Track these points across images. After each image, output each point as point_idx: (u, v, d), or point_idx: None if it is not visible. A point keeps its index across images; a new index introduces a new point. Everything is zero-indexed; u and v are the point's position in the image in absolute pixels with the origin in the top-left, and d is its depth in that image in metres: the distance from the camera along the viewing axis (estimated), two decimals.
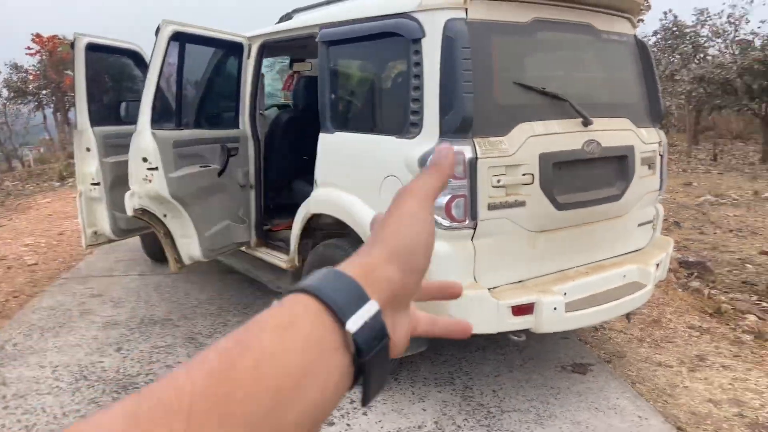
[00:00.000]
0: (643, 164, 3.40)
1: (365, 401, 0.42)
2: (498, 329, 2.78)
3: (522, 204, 2.85)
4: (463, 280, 2.76)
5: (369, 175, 3.03)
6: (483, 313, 2.74)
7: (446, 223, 2.69)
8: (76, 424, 0.30)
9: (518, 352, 3.82)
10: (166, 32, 3.28)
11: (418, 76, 2.80)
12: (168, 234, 3.48)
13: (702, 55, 26.68)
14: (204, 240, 3.60)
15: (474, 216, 2.72)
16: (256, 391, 0.33)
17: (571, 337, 4.05)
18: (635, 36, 3.51)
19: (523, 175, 2.82)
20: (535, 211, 2.89)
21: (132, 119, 3.58)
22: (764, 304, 6.73)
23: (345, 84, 3.37)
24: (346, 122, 3.29)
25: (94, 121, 3.91)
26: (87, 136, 3.84)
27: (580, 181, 3.09)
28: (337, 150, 3.31)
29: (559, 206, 2.96)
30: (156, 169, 3.23)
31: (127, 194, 3.26)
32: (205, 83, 3.81)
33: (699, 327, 4.31)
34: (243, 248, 4.19)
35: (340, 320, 0.38)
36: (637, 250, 3.58)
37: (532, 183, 2.85)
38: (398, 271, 0.43)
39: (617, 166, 3.26)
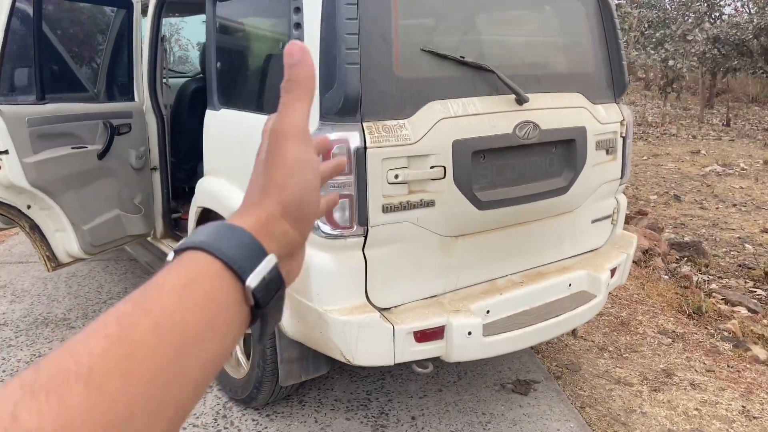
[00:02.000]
0: (598, 149, 2.80)
1: (261, 340, 0.45)
2: (396, 360, 2.25)
3: (431, 204, 2.28)
4: (350, 301, 2.21)
5: (251, 163, 2.45)
6: (374, 342, 2.20)
7: (327, 229, 2.14)
8: None
9: (455, 365, 3.30)
10: None
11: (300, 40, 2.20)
12: (35, 228, 2.95)
13: (718, 14, 25.51)
14: (83, 234, 3.07)
15: (363, 221, 2.15)
16: (157, 348, 0.35)
17: None
18: None
19: (432, 167, 2.24)
20: (448, 211, 2.32)
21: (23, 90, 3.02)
22: (759, 291, 6.16)
23: (231, 51, 2.77)
24: (231, 97, 2.70)
25: None
26: None
27: (512, 172, 2.51)
28: (222, 131, 2.73)
29: (481, 205, 2.39)
30: (6, 152, 2.69)
31: None
32: (82, 46, 3.22)
33: (672, 332, 3.76)
34: (149, 239, 3.66)
35: (240, 277, 0.40)
36: (592, 251, 3.01)
37: (444, 177, 2.27)
38: (293, 223, 0.46)
39: (563, 152, 2.67)
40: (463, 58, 2.33)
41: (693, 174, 13.28)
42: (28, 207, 2.90)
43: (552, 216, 2.74)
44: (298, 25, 2.20)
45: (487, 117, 2.38)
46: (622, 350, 3.52)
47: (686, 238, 7.92)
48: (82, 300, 3.99)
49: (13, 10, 2.64)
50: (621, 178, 3.00)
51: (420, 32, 2.35)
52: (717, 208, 10.19)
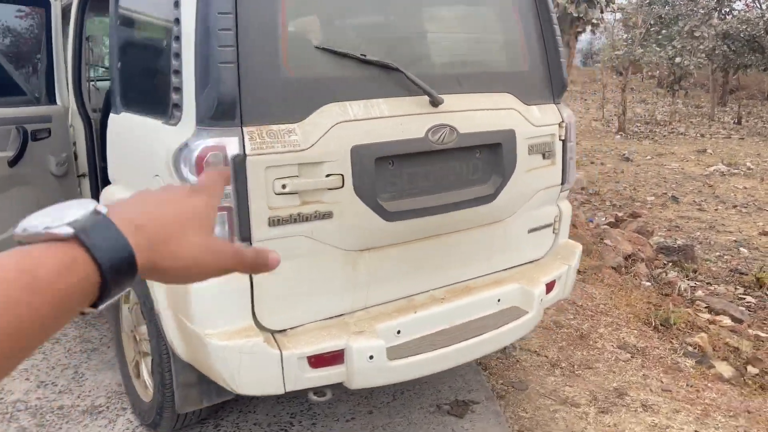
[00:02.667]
0: (532, 153, 2.59)
1: (96, 307, 0.47)
2: (287, 388, 2.05)
3: (327, 216, 2.08)
4: (233, 323, 2.02)
5: (142, 172, 2.28)
6: (259, 370, 2.01)
7: None
8: None
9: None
10: None
11: (179, 38, 2.01)
12: None
13: (728, 9, 25.03)
14: None
15: (246, 235, 1.96)
16: None
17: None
18: None
19: (328, 176, 2.05)
20: (349, 224, 2.12)
21: None
22: (749, 299, 5.89)
23: (129, 47, 2.59)
24: (129, 99, 2.52)
25: None
26: None
27: (427, 180, 2.30)
28: (121, 136, 2.55)
29: (389, 216, 2.18)
30: None
31: None
32: None
33: (633, 347, 3.52)
34: None
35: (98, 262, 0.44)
36: (531, 263, 2.79)
37: (342, 186, 2.07)
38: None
39: (489, 157, 2.46)
40: (365, 56, 2.12)
41: (696, 174, 12.93)
42: None
43: (479, 226, 2.53)
44: (177, 21, 2.01)
45: (395, 120, 2.18)
46: (575, 366, 3.29)
47: (679, 242, 7.63)
48: None
49: None
50: (562, 183, 2.78)
51: (315, 28, 2.15)
52: (716, 210, 9.87)
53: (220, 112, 1.89)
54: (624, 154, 14.81)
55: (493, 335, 2.40)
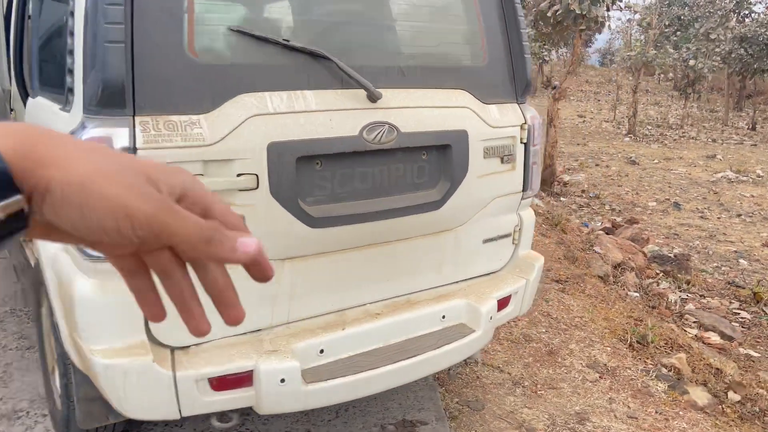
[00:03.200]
0: (488, 156, 2.34)
1: None
2: (183, 413, 1.83)
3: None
4: (123, 339, 1.79)
5: None
6: (148, 392, 1.78)
7: (90, 250, 1.72)
8: None
9: None
10: None
11: (73, 13, 1.78)
12: None
13: (747, 12, 24.47)
14: None
15: None
16: None
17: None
18: None
19: (239, 175, 1.81)
20: (265, 229, 1.89)
21: None
22: (744, 314, 5.61)
23: (41, 25, 2.36)
24: (41, 82, 2.29)
25: None
26: None
27: (363, 183, 2.07)
28: (35, 122, 2.33)
29: (314, 222, 1.95)
30: None
31: None
32: None
33: (603, 366, 3.28)
34: (22, 240, 3.29)
35: None
36: (486, 275, 2.55)
37: (257, 188, 1.84)
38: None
39: (436, 160, 2.21)
40: (288, 41, 1.88)
41: (702, 180, 12.58)
42: None
43: (425, 235, 2.29)
44: None
45: (323, 115, 1.94)
46: (538, 386, 3.05)
47: (675, 251, 7.34)
48: None
49: None
50: (524, 190, 2.54)
51: (230, 7, 1.92)
52: (719, 218, 9.55)
53: (106, 99, 1.66)
54: (631, 157, 14.49)
55: (431, 356, 2.17)
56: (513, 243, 2.61)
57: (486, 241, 2.49)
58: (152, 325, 1.82)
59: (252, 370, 1.88)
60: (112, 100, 1.66)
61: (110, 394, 1.78)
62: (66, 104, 1.84)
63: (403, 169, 2.16)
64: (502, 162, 2.42)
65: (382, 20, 2.22)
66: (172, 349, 1.88)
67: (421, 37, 2.30)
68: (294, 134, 1.88)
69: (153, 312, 0.46)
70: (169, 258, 0.42)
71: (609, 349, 3.49)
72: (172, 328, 1.80)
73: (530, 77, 2.49)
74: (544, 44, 21.64)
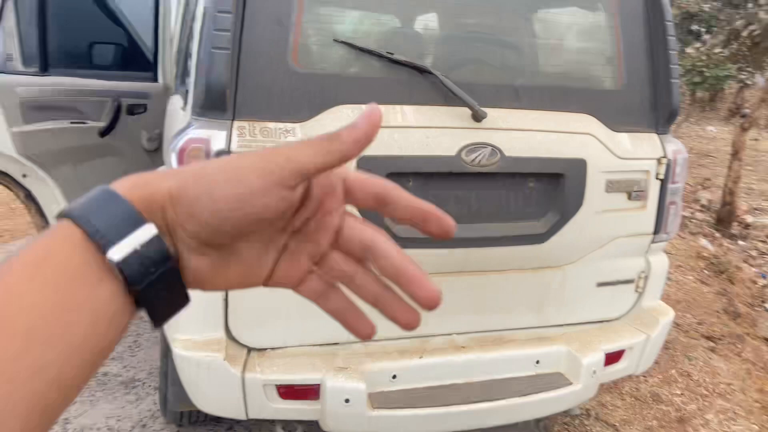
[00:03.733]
0: (612, 191, 2.09)
1: (155, 325, 0.38)
2: (249, 415, 1.85)
3: None
4: (204, 333, 1.86)
5: None
6: (219, 389, 1.83)
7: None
8: None
9: None
10: None
11: (194, 19, 1.90)
12: (30, 198, 3.03)
13: None
14: None
15: None
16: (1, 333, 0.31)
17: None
18: None
19: None
20: None
21: (107, 66, 3.16)
22: None
23: (182, 28, 2.54)
24: (179, 80, 2.47)
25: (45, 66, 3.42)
26: None
27: (457, 206, 1.95)
28: (170, 116, 2.53)
29: (399, 241, 1.85)
30: None
31: None
32: (100, 21, 3.22)
33: None
34: None
35: (102, 250, 0.34)
36: (599, 322, 2.29)
37: None
38: (184, 215, 0.36)
39: (546, 189, 2.02)
40: (391, 54, 1.83)
41: None
42: (24, 176, 2.98)
43: (525, 269, 2.10)
44: (197, 1, 1.89)
45: (420, 132, 1.86)
46: None
47: None
48: None
49: None
50: (656, 233, 2.23)
51: (338, 18, 1.90)
52: None
53: (209, 102, 1.73)
54: None
55: (516, 403, 1.99)
56: (636, 291, 2.30)
57: (601, 284, 2.23)
58: (232, 324, 1.87)
59: (319, 384, 1.85)
60: (214, 103, 1.73)
61: (185, 384, 1.86)
62: (185, 104, 1.97)
63: (504, 196, 2.00)
64: (630, 198, 2.15)
65: (500, 36, 2.07)
66: (249, 350, 1.91)
67: (544, 55, 2.12)
68: (385, 149, 1.82)
69: (360, 329, 0.44)
70: (341, 258, 0.43)
71: (756, 428, 2.96)
72: (250, 328, 1.84)
73: (677, 105, 2.18)
74: (746, 66, 19.30)
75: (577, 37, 2.14)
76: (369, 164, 1.80)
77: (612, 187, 2.09)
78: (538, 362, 2.11)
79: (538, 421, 2.57)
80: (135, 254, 0.34)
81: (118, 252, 0.34)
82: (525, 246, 2.03)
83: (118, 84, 3.18)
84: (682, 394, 3.19)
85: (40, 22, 2.85)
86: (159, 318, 0.38)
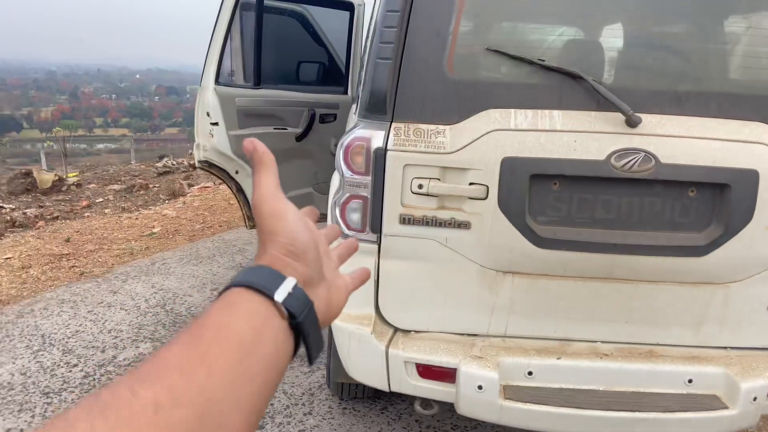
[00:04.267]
0: None
1: (310, 361, 0.51)
2: (391, 387, 2.04)
3: (465, 226, 1.97)
4: (359, 308, 2.09)
5: None
6: (366, 359, 2.05)
7: (343, 229, 2.07)
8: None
9: None
10: None
11: (369, 35, 2.16)
12: (240, 191, 3.58)
13: None
14: None
15: (376, 227, 2.01)
16: (223, 348, 0.41)
17: None
18: None
19: (471, 184, 1.93)
20: (489, 240, 1.96)
21: (308, 81, 3.74)
22: None
23: (367, 42, 2.82)
24: (356, 88, 2.77)
25: (264, 82, 4.02)
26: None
27: (606, 211, 1.95)
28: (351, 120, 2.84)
29: (540, 242, 1.94)
30: (216, 124, 3.34)
31: (195, 145, 3.47)
32: (302, 42, 3.68)
33: None
34: None
35: (269, 296, 0.47)
36: (760, 348, 2.09)
37: (486, 198, 1.93)
38: (294, 258, 0.51)
39: (709, 199, 1.93)
40: (543, 61, 1.91)
41: None
42: (236, 172, 3.54)
43: (682, 283, 2.01)
44: (371, 18, 2.15)
45: (567, 136, 1.90)
46: None
47: None
48: None
49: (232, 21, 3.23)
50: None
51: (490, 28, 2.02)
52: None
53: (372, 106, 1.97)
54: None
55: (659, 418, 1.91)
56: None
57: None
58: (381, 305, 2.09)
59: (455, 369, 1.97)
60: (377, 107, 1.96)
61: (340, 353, 2.11)
62: (356, 108, 2.24)
63: (659, 204, 1.94)
64: None
65: (664, 42, 2.02)
66: (395, 330, 2.11)
67: (715, 59, 2.01)
68: (531, 152, 1.89)
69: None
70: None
71: None
72: (396, 310, 2.04)
73: None
74: None
75: (756, 39, 2.00)
76: (513, 164, 1.90)
77: None
78: (690, 381, 1.99)
79: None
80: (290, 296, 0.48)
81: (279, 295, 0.47)
82: (681, 258, 1.95)
83: (314, 96, 3.63)
84: None
85: (257, 43, 3.39)
86: (311, 352, 0.50)
